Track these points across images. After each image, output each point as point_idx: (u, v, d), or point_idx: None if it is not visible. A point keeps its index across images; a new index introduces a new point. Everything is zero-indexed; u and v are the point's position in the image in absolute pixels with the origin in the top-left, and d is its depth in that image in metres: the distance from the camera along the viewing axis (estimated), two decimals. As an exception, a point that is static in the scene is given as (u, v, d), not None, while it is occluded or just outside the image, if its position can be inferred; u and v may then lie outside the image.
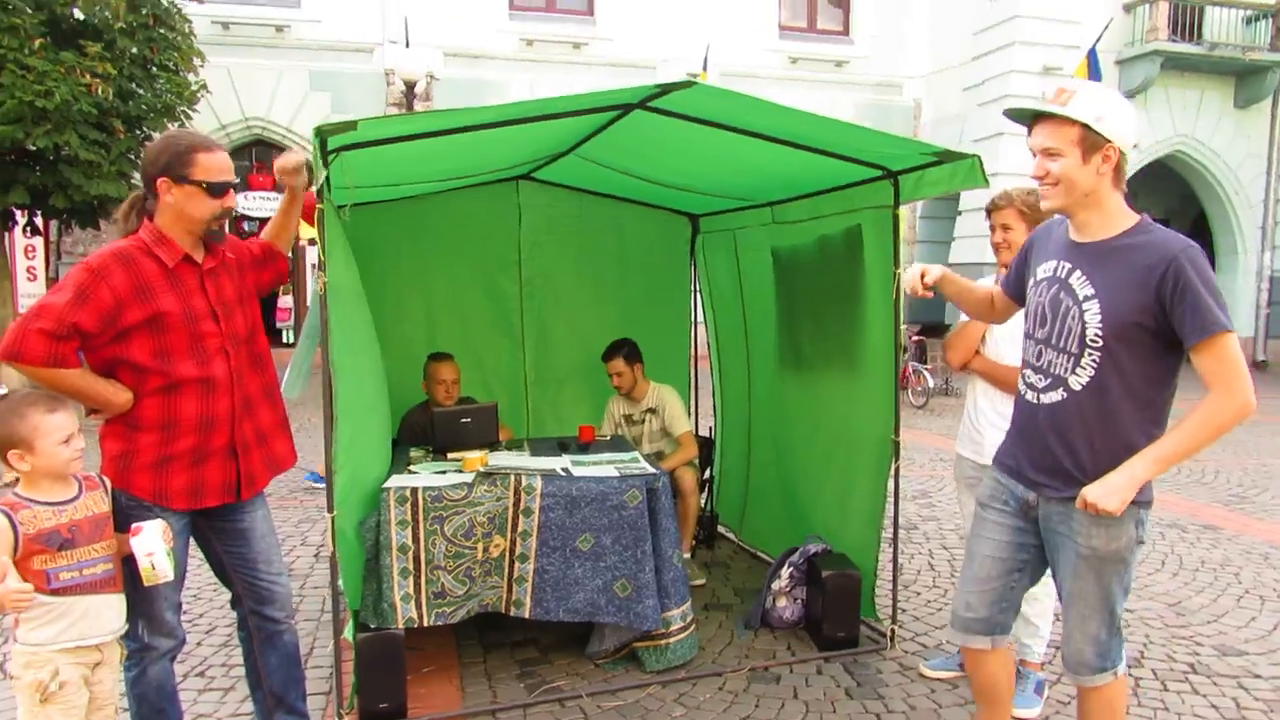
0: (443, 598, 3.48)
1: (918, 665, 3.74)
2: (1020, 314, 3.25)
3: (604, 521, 3.59)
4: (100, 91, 9.93)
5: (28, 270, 15.69)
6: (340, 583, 3.25)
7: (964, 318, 3.47)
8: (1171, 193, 19.23)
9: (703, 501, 5.55)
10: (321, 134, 2.82)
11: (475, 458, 3.80)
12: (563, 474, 3.70)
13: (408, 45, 14.00)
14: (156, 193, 2.56)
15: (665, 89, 3.16)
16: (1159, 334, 2.23)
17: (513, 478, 3.56)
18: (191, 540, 2.77)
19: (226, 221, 2.69)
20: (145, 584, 2.40)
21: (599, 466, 3.87)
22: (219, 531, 2.80)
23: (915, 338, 13.03)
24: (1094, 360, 2.29)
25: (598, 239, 5.50)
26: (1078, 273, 2.33)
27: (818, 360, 4.52)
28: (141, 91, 11.14)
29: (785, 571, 4.10)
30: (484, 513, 3.50)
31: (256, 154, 16.14)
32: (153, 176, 2.56)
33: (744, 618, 4.22)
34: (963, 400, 3.59)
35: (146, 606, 2.60)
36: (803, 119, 3.41)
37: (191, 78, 11.81)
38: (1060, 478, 2.37)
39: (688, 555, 4.81)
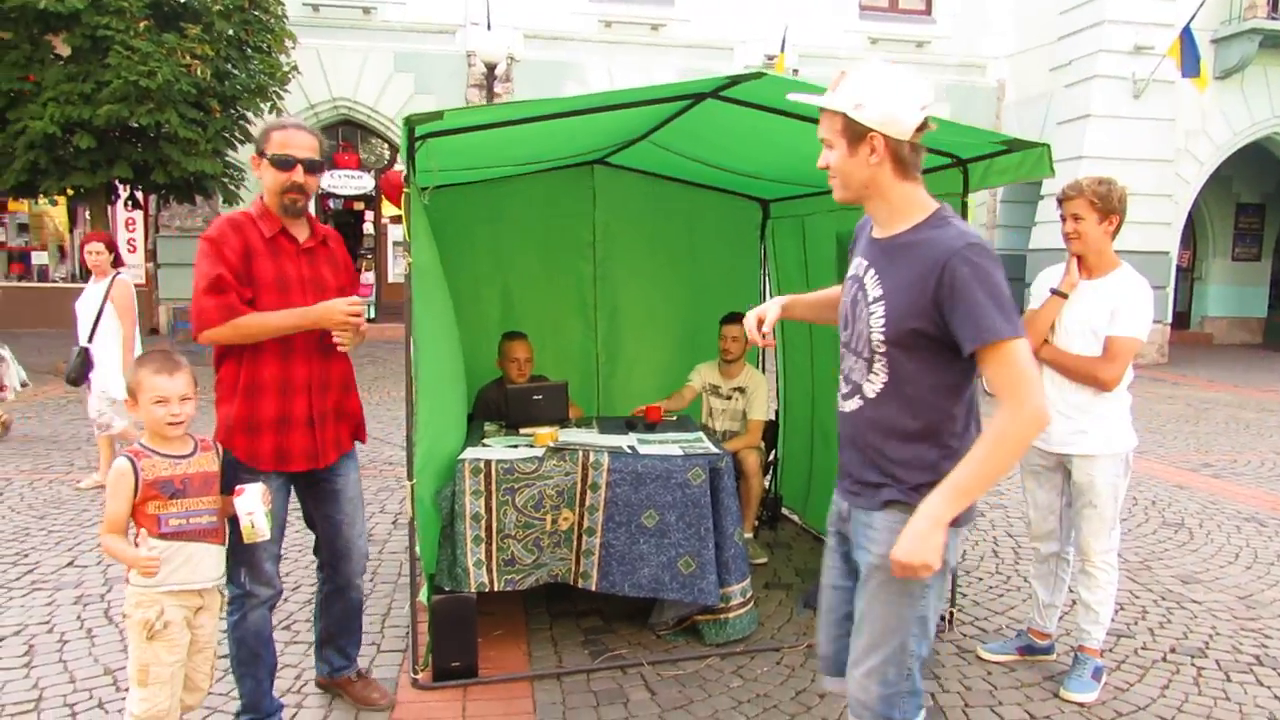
0: (512, 565, 3.66)
1: (975, 648, 3.79)
2: (1088, 301, 3.28)
3: (668, 499, 3.71)
4: (199, 72, 10.38)
5: (128, 242, 16.46)
6: (417, 547, 3.46)
7: (1034, 305, 3.48)
8: (1269, 177, 18.43)
9: (767, 484, 5.65)
10: (410, 123, 2.99)
11: (546, 433, 3.96)
12: (629, 451, 3.84)
13: (489, 27, 14.22)
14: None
15: (735, 79, 3.24)
16: (944, 340, 1.99)
17: (581, 453, 3.71)
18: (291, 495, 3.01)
19: (305, 199, 2.84)
20: (245, 541, 2.61)
21: (664, 445, 4.00)
22: (311, 489, 3.04)
23: None
24: (883, 366, 2.07)
25: (670, 223, 5.60)
26: (872, 271, 2.12)
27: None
28: (237, 72, 11.59)
29: (845, 553, 4.17)
30: (553, 486, 3.66)
31: (343, 134, 16.62)
32: (254, 154, 2.85)
33: (804, 596, 4.31)
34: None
35: (248, 556, 2.84)
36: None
37: (283, 59, 12.23)
38: (864, 488, 2.14)
39: (750, 536, 4.92)
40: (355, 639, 3.30)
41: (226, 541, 2.69)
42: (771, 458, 5.63)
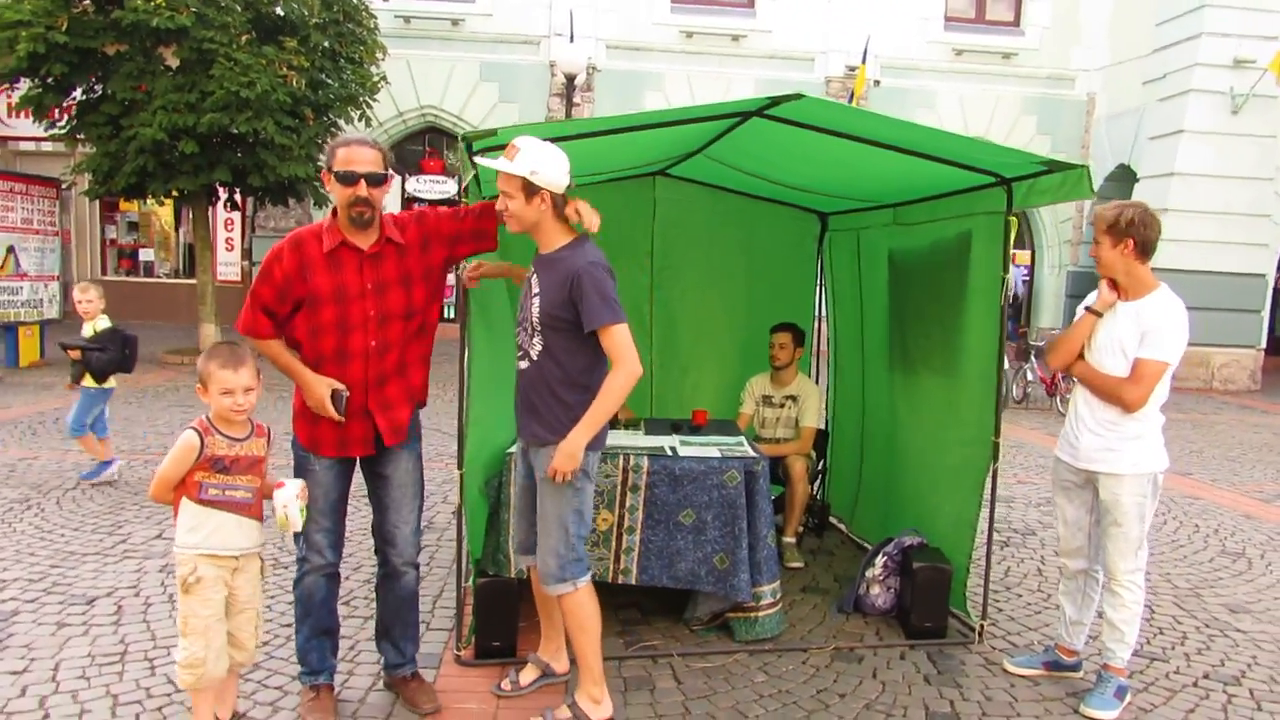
0: (554, 555, 3.86)
1: (1002, 661, 3.84)
2: (1120, 321, 3.36)
3: (704, 499, 3.88)
4: (295, 82, 10.97)
5: (226, 242, 17.38)
6: (465, 533, 3.70)
7: (1077, 316, 3.54)
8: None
9: (815, 491, 5.75)
10: (467, 139, 3.23)
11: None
12: (669, 453, 4.01)
13: (572, 39, 14.58)
14: None
15: (775, 100, 3.40)
16: (576, 324, 2.95)
17: (621, 457, 3.90)
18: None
19: (371, 210, 2.95)
20: (279, 529, 2.90)
21: (704, 447, 4.16)
22: (368, 473, 3.26)
23: (1022, 330, 12.53)
24: (541, 339, 3.02)
25: (727, 234, 5.75)
26: (536, 276, 3.07)
27: (922, 359, 4.64)
28: (330, 82, 12.19)
29: (879, 560, 4.27)
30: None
31: (429, 140, 17.22)
32: (324, 171, 3.05)
33: (838, 601, 4.42)
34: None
35: (303, 524, 3.09)
36: (911, 129, 3.57)
37: (374, 69, 12.79)
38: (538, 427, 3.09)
39: (793, 541, 5.04)
40: (410, 634, 3.36)
41: (260, 517, 2.94)
42: (820, 466, 5.73)
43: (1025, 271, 18.51)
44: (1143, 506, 3.39)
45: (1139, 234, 3.30)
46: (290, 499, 2.84)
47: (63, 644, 3.72)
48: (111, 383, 6.26)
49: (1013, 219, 3.88)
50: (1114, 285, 3.43)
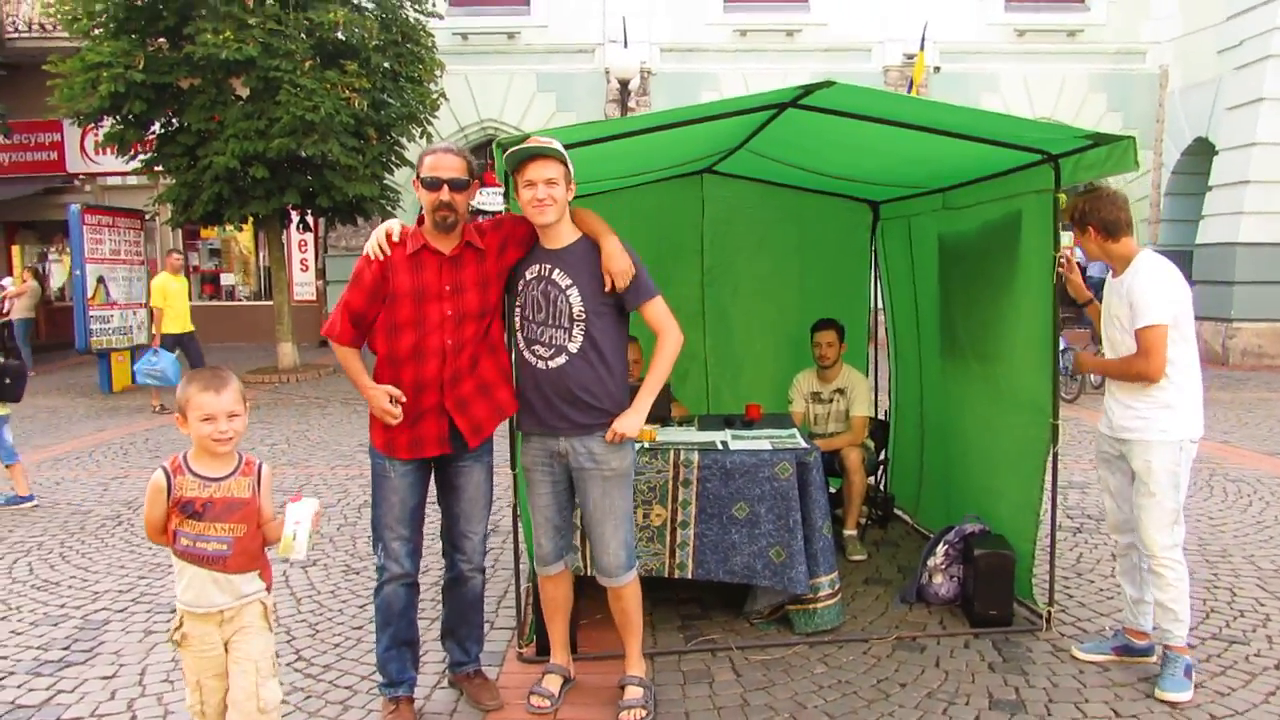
0: (610, 552, 3.91)
1: (1070, 648, 3.76)
2: (1113, 299, 3.42)
3: (757, 492, 3.88)
4: (357, 104, 11.31)
5: (301, 263, 17.97)
6: (521, 533, 3.77)
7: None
8: None
9: (878, 483, 5.69)
10: (502, 146, 3.30)
11: (647, 430, 4.19)
12: (720, 447, 4.03)
13: (625, 45, 14.69)
14: None
15: (807, 90, 3.40)
16: (619, 307, 3.13)
17: (672, 452, 3.93)
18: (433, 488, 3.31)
19: (455, 215, 3.06)
20: (280, 554, 2.52)
21: (756, 441, 4.17)
22: (440, 482, 3.32)
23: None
24: (583, 329, 3.09)
25: (777, 227, 5.74)
26: (558, 269, 3.11)
27: (973, 344, 4.57)
28: (391, 101, 12.53)
29: (940, 549, 4.21)
30: (644, 482, 3.89)
31: (490, 153, 17.51)
32: (414, 179, 3.20)
33: (900, 592, 4.37)
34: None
35: (380, 533, 3.18)
36: (951, 110, 3.53)
37: (433, 86, 13.09)
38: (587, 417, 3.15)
39: (854, 533, 5.00)
40: (475, 634, 3.44)
41: (248, 574, 2.55)
42: (882, 457, 5.67)
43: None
44: (1176, 475, 3.34)
45: (1095, 218, 3.40)
46: (304, 519, 2.50)
47: (149, 650, 3.92)
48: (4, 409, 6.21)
49: (1062, 196, 3.79)
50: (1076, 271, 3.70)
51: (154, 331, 10.45)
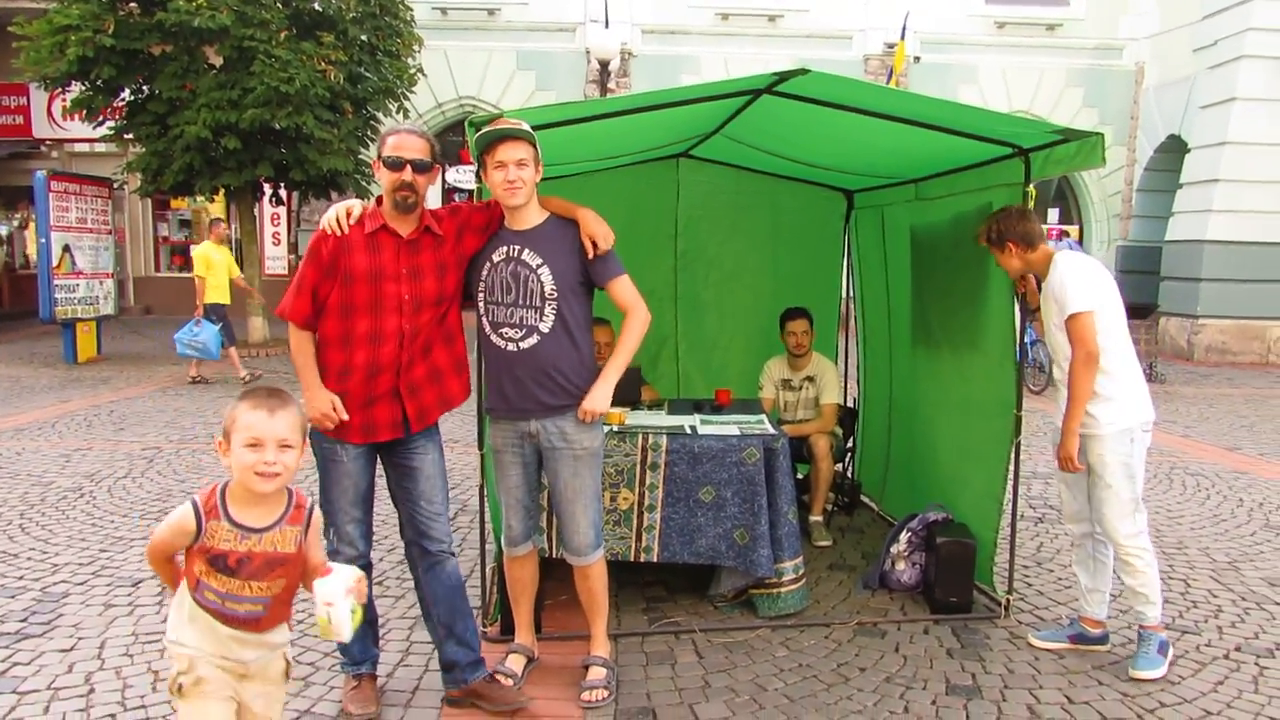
0: (576, 534, 3.92)
1: (1027, 635, 3.82)
2: (1045, 305, 3.59)
3: (724, 476, 3.91)
4: (333, 77, 11.17)
5: (273, 236, 17.76)
6: (488, 514, 3.77)
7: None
8: None
9: (845, 469, 5.75)
10: (474, 125, 3.28)
11: (616, 414, 4.19)
12: (689, 431, 4.05)
13: (607, 25, 14.59)
14: None
15: (782, 76, 3.40)
16: (588, 284, 3.17)
17: (641, 436, 3.94)
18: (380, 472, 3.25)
19: (415, 196, 3.04)
20: (320, 634, 2.17)
21: (724, 426, 4.19)
22: (393, 466, 3.27)
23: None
24: (554, 309, 3.10)
25: (752, 214, 5.74)
26: (528, 249, 3.11)
27: (944, 335, 4.61)
28: (368, 75, 12.38)
29: (904, 536, 4.26)
30: (612, 465, 3.90)
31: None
32: (374, 159, 3.14)
33: (863, 577, 4.42)
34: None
35: (333, 517, 3.14)
36: (925, 102, 3.55)
37: (411, 61, 12.94)
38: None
39: (819, 519, 5.04)
40: (469, 621, 3.27)
41: (279, 626, 2.19)
42: (850, 444, 5.71)
43: (1075, 244, 18.12)
44: (1129, 464, 3.41)
45: (1012, 234, 3.55)
46: (337, 595, 2.06)
47: (109, 624, 3.89)
48: None
49: (1031, 190, 3.83)
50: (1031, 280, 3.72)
51: (197, 302, 10.24)
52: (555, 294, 3.10)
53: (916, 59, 16.49)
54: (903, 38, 15.37)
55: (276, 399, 2.08)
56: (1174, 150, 15.74)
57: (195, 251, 10.53)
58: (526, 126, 3.02)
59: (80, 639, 3.73)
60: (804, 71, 3.31)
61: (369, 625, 3.29)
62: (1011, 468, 3.99)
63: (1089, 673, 3.51)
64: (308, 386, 3.04)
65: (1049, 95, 16.90)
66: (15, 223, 19.00)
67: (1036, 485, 6.35)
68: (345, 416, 3.00)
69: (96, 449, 7.17)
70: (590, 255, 3.11)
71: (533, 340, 3.12)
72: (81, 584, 4.33)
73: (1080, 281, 3.39)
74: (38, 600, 4.12)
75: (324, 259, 3.06)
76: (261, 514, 2.09)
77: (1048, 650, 3.71)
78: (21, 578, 4.40)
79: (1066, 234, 16.89)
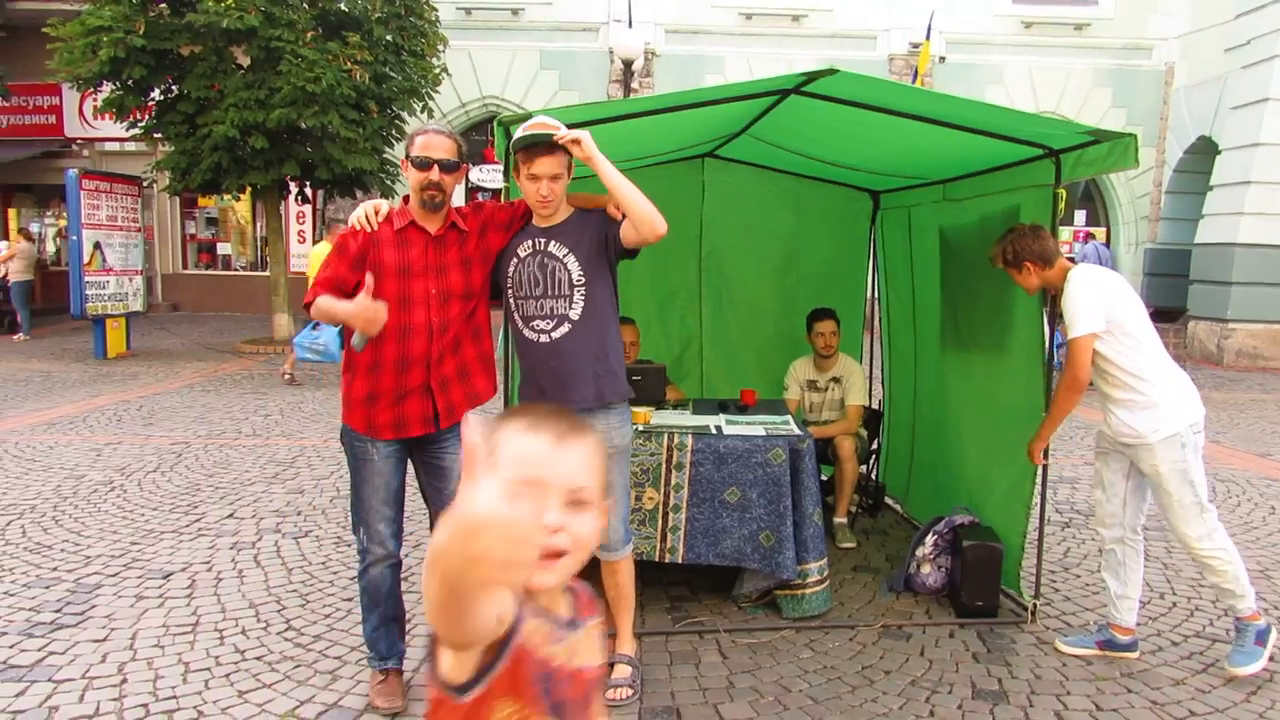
0: (601, 532, 3.93)
1: (1054, 641, 3.79)
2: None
3: (749, 476, 3.91)
4: (359, 76, 11.24)
5: (298, 234, 17.91)
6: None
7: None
8: None
9: (870, 471, 5.72)
10: (503, 124, 3.30)
11: (642, 413, 4.22)
12: (714, 432, 4.05)
13: (630, 25, 14.61)
14: None
15: (811, 76, 3.39)
16: (611, 262, 3.18)
17: (666, 435, 3.95)
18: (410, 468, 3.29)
19: (442, 195, 3.08)
20: None
21: (750, 426, 4.19)
22: (424, 465, 3.32)
23: None
24: (583, 295, 3.14)
25: (777, 214, 5.73)
26: (554, 242, 3.15)
27: (972, 337, 4.58)
28: (393, 75, 12.45)
29: (930, 539, 4.24)
30: (638, 464, 3.91)
31: (490, 130, 17.43)
32: (403, 159, 3.18)
33: (888, 580, 4.41)
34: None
35: (364, 516, 3.19)
36: (955, 102, 3.53)
37: (435, 61, 13.01)
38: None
39: (844, 520, 5.03)
40: None
41: None
42: (875, 446, 5.69)
43: (1102, 247, 17.94)
44: (1184, 470, 3.37)
45: (1029, 254, 3.54)
46: None
47: (140, 615, 3.94)
48: None
49: (1061, 191, 3.80)
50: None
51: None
52: (583, 280, 3.14)
53: (942, 59, 16.39)
54: (928, 37, 15.29)
55: (567, 424, 1.14)
56: (1204, 152, 15.55)
57: (313, 252, 10.39)
58: (564, 129, 2.98)
59: (113, 629, 3.79)
60: (833, 71, 3.31)
61: (395, 623, 3.32)
62: (1039, 471, 3.96)
63: (1117, 680, 3.48)
64: (342, 311, 2.95)
65: (1076, 96, 16.75)
66: (49, 220, 19.24)
67: (1064, 489, 6.29)
68: (384, 309, 2.89)
69: (126, 443, 7.27)
70: (619, 217, 3.12)
71: (564, 329, 3.16)
72: (114, 576, 4.39)
73: (1086, 303, 3.37)
74: (71, 591, 4.18)
75: (352, 253, 3.10)
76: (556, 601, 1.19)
77: (1075, 656, 3.68)
78: (55, 569, 4.47)
79: (1093, 236, 16.70)
